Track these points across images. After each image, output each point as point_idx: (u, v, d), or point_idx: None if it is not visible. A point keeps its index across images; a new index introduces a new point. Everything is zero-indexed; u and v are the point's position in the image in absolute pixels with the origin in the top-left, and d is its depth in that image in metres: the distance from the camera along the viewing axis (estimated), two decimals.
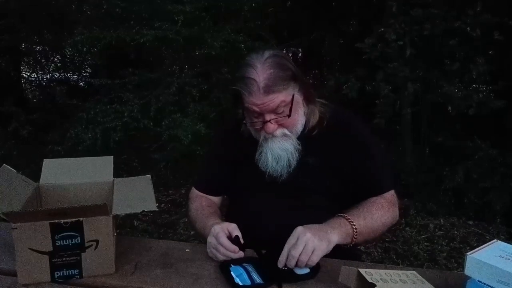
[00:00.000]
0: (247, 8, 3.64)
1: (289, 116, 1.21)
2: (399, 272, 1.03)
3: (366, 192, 1.31)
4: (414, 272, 1.06)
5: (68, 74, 6.30)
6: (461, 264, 2.61)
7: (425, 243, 2.97)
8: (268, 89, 1.16)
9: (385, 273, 0.98)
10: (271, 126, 1.21)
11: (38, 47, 5.79)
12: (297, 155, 1.25)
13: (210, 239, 1.15)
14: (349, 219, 1.19)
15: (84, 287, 1.04)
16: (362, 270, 0.94)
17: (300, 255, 1.05)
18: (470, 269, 0.92)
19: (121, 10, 3.50)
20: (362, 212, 1.23)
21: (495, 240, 1.00)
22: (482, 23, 2.99)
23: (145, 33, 3.28)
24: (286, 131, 1.24)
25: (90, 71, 6.25)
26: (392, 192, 1.33)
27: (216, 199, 1.44)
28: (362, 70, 3.45)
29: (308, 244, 1.05)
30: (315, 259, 1.06)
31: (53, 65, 6.32)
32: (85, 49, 4.99)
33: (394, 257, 2.80)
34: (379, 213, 1.26)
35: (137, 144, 4.13)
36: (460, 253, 2.83)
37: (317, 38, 4.71)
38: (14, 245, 0.98)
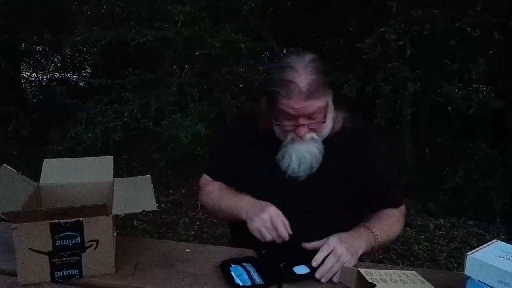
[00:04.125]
0: (247, 8, 3.63)
1: (323, 122, 1.23)
2: (399, 272, 1.03)
3: (380, 203, 1.34)
4: (414, 272, 1.06)
5: (68, 74, 6.29)
6: (461, 264, 2.61)
7: (425, 243, 2.97)
8: (309, 95, 1.16)
9: (385, 273, 0.98)
10: (303, 130, 1.22)
11: (38, 47, 5.77)
12: (320, 159, 1.26)
13: (266, 216, 1.15)
14: (374, 233, 1.22)
15: (84, 287, 1.04)
16: (362, 270, 0.94)
17: (331, 266, 1.08)
18: (470, 269, 0.92)
19: (121, 10, 3.49)
20: (383, 225, 1.27)
21: (495, 240, 1.00)
22: (482, 23, 2.99)
23: (145, 33, 3.27)
24: (315, 135, 1.25)
25: (90, 71, 6.24)
26: (403, 205, 1.38)
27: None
28: (362, 70, 3.44)
29: (341, 258, 1.08)
30: None
31: (53, 65, 6.31)
32: (85, 49, 4.98)
33: (394, 257, 2.80)
34: (396, 227, 1.31)
35: (137, 144, 4.13)
36: (460, 253, 2.83)
37: (317, 38, 4.70)
38: (14, 245, 0.98)
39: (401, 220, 1.34)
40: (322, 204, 1.30)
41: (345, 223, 1.25)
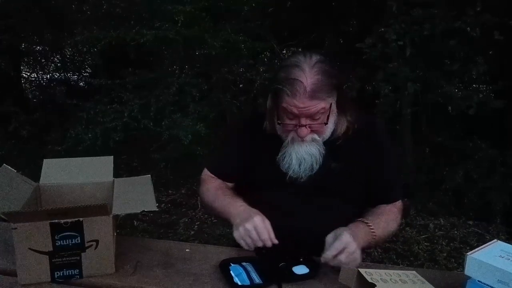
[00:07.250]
0: (247, 8, 3.63)
1: (325, 124, 1.22)
2: (399, 272, 1.03)
3: (378, 198, 1.34)
4: (414, 272, 1.06)
5: (68, 74, 6.28)
6: (461, 264, 2.61)
7: (425, 243, 2.97)
8: (314, 95, 1.16)
9: (385, 273, 0.98)
10: (304, 131, 1.22)
11: (38, 47, 5.77)
12: (320, 160, 1.26)
13: (250, 225, 1.15)
14: (372, 229, 1.22)
15: (84, 287, 1.04)
16: (362, 270, 0.94)
17: (343, 262, 1.08)
18: (470, 269, 0.92)
19: (121, 10, 3.49)
20: (381, 222, 1.27)
21: (495, 240, 1.00)
22: (482, 23, 2.99)
23: (145, 33, 3.27)
24: (316, 136, 1.25)
25: (90, 71, 6.24)
26: (400, 201, 1.38)
27: (230, 186, 1.43)
28: (362, 70, 3.44)
29: (354, 255, 1.10)
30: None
31: (53, 65, 6.30)
32: (85, 49, 4.98)
33: (394, 257, 2.80)
34: (393, 224, 1.31)
35: (137, 144, 4.12)
36: (460, 253, 2.83)
37: (317, 38, 4.70)
38: (14, 245, 0.98)
39: (398, 217, 1.34)
40: (324, 203, 1.30)
41: (347, 221, 1.25)
